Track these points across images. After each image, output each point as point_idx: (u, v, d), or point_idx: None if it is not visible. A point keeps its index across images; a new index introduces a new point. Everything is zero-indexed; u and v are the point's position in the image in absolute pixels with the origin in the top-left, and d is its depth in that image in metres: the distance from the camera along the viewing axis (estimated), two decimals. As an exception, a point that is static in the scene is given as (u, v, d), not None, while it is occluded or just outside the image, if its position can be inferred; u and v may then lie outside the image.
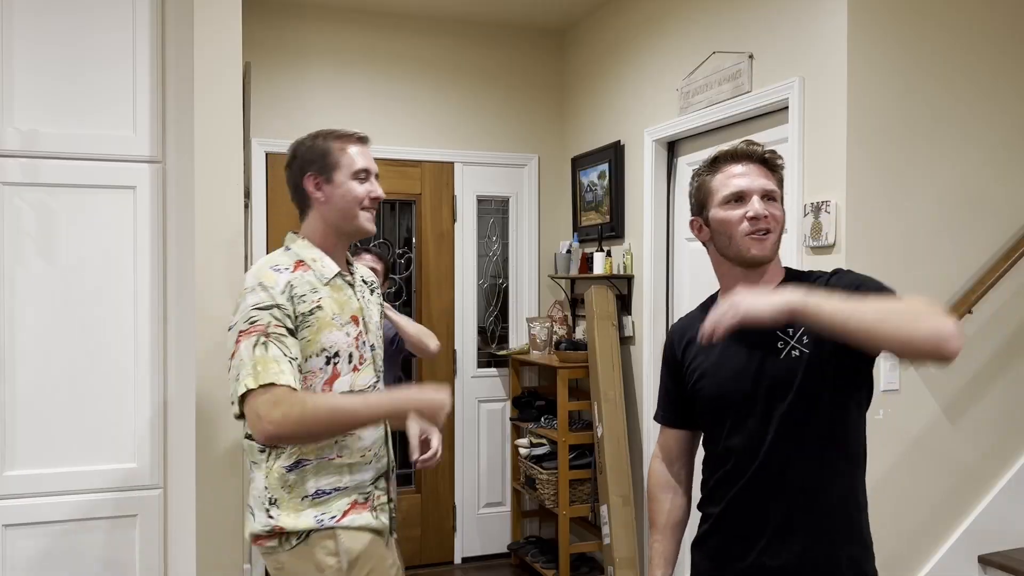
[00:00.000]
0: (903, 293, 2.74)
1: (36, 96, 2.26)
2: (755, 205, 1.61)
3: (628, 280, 3.94)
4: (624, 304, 3.97)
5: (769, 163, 1.66)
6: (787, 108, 2.90)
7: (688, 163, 3.64)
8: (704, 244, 1.74)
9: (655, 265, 3.75)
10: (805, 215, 2.78)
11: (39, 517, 2.27)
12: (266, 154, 4.20)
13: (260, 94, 4.11)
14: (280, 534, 1.76)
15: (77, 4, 2.29)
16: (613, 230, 4.06)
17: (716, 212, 1.66)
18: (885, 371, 2.65)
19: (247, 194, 3.82)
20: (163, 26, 2.35)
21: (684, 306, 3.64)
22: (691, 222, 1.75)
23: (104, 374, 2.32)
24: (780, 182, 1.68)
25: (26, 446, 2.26)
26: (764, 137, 3.09)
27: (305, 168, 1.97)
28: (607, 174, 4.11)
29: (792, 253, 2.84)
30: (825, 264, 2.71)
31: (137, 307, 2.34)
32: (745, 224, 1.61)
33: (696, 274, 3.57)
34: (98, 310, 2.31)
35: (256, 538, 1.79)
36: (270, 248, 4.18)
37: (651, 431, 3.75)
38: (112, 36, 2.31)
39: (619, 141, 4.03)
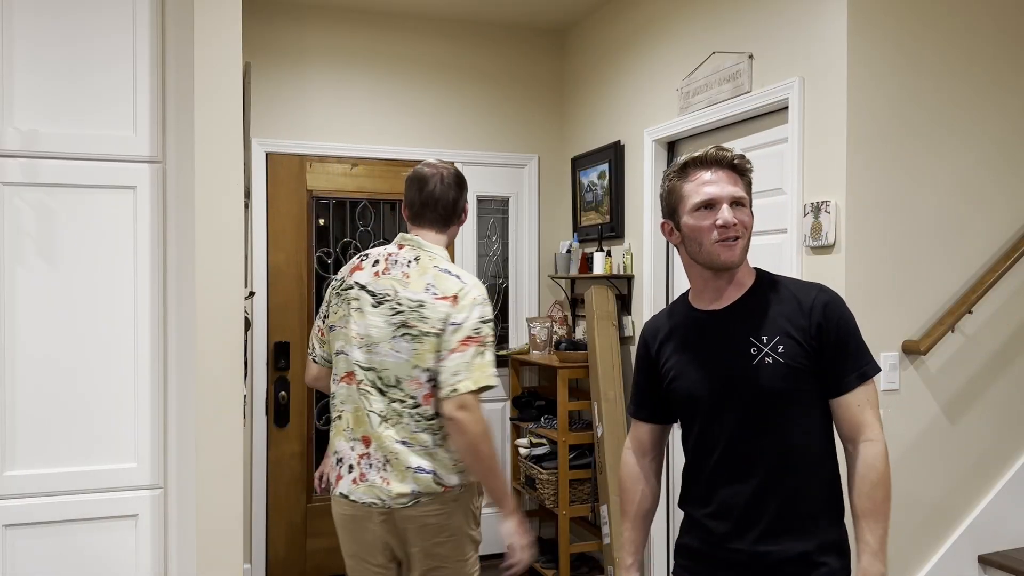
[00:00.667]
0: (902, 294, 2.74)
1: (36, 96, 2.26)
2: (724, 214, 1.65)
3: (628, 280, 3.94)
4: (624, 304, 3.97)
5: (738, 168, 1.70)
6: (787, 108, 2.90)
7: (688, 163, 3.64)
8: (676, 246, 1.79)
9: (655, 265, 3.75)
10: (805, 215, 2.78)
11: (39, 517, 2.27)
12: (266, 154, 4.19)
13: (260, 94, 4.11)
14: (463, 485, 2.27)
15: (77, 4, 2.29)
16: (613, 230, 4.06)
17: (687, 219, 1.70)
18: (885, 371, 2.65)
19: (247, 194, 3.82)
20: (163, 26, 2.35)
21: (684, 306, 3.64)
22: (662, 224, 1.80)
23: (104, 374, 2.32)
24: (749, 186, 1.72)
25: (26, 446, 2.26)
26: (764, 137, 3.10)
27: (465, 194, 2.44)
28: (607, 174, 4.11)
29: (792, 253, 2.84)
30: (825, 265, 2.71)
31: (137, 307, 2.34)
32: (715, 232, 1.66)
33: (696, 274, 3.57)
34: (98, 310, 2.31)
35: (446, 488, 2.23)
36: (270, 248, 4.18)
37: (651, 431, 3.74)
38: (112, 36, 2.31)
39: (619, 141, 4.03)
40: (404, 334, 2.19)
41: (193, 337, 2.33)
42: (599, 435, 3.78)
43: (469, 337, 2.18)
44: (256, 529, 4.17)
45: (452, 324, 2.18)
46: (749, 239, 1.70)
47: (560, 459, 3.89)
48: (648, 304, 3.76)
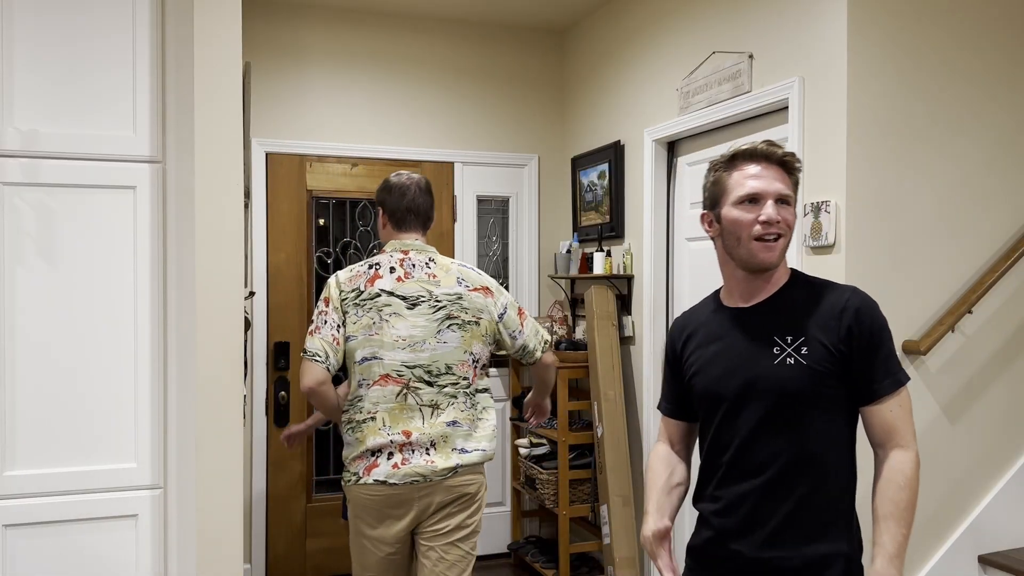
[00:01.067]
0: (902, 294, 2.74)
1: (36, 96, 2.26)
2: (768, 210, 1.61)
3: (628, 280, 3.94)
4: (624, 304, 3.97)
5: (787, 166, 1.65)
6: (787, 108, 2.90)
7: (688, 163, 3.64)
8: (712, 239, 1.73)
9: (655, 265, 3.75)
10: (805, 215, 2.78)
11: (39, 517, 2.27)
12: (266, 154, 4.19)
13: (260, 94, 4.11)
14: (489, 458, 2.55)
15: (77, 4, 2.29)
16: (613, 230, 4.06)
17: (729, 211, 1.65)
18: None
19: (247, 194, 3.82)
20: (163, 26, 2.35)
21: (684, 306, 3.64)
22: (702, 215, 1.74)
23: (104, 374, 2.32)
24: (796, 184, 1.68)
25: (26, 446, 2.26)
26: (764, 137, 3.09)
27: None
28: (607, 174, 4.11)
29: (792, 253, 2.84)
30: (825, 265, 2.71)
31: (137, 307, 2.34)
32: (757, 227, 1.61)
33: (696, 274, 3.57)
34: (98, 310, 2.31)
35: (483, 460, 2.52)
36: (270, 248, 4.19)
37: (651, 431, 3.75)
38: (112, 36, 2.31)
39: (619, 141, 4.03)
40: (450, 325, 2.46)
41: (193, 337, 2.33)
42: (599, 435, 3.78)
43: (519, 309, 2.60)
44: (256, 529, 4.17)
45: (503, 308, 2.55)
46: (789, 240, 1.66)
47: (560, 459, 3.89)
48: (648, 304, 3.76)
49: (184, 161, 2.34)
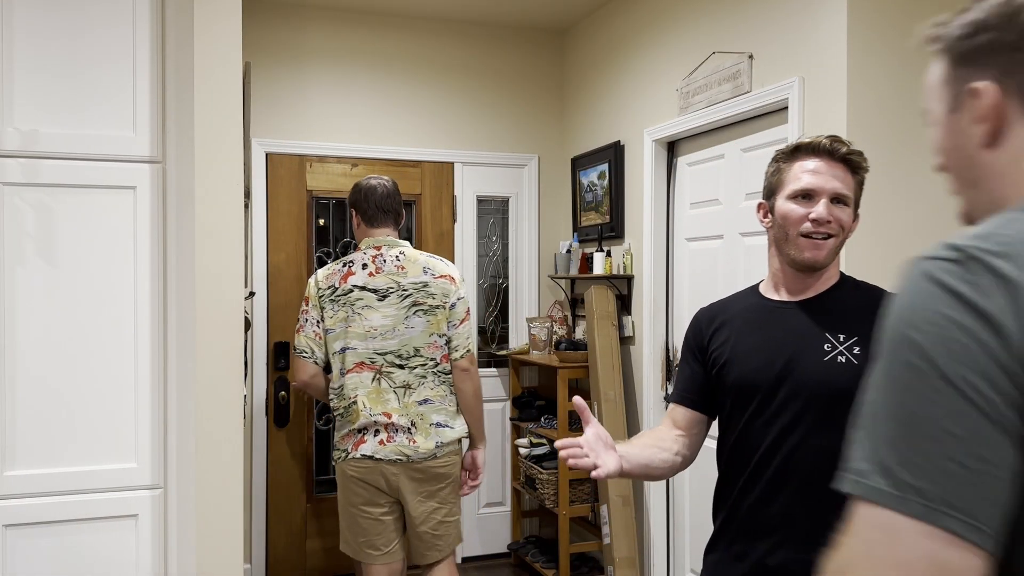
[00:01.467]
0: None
1: (36, 96, 2.26)
2: (820, 208, 1.56)
3: (628, 280, 3.94)
4: (624, 304, 3.97)
5: (852, 164, 1.60)
6: (787, 108, 2.90)
7: (688, 163, 3.64)
8: (766, 229, 1.70)
9: (655, 265, 3.75)
10: (805, 215, 2.78)
11: (39, 517, 2.27)
12: (266, 154, 4.20)
13: (260, 94, 4.11)
14: (463, 437, 2.82)
15: (77, 4, 2.29)
16: (613, 230, 4.06)
17: (782, 203, 1.61)
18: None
19: (247, 194, 3.82)
20: (163, 26, 2.35)
21: (684, 306, 3.64)
22: (758, 205, 1.70)
23: (104, 374, 2.32)
24: (859, 185, 1.63)
25: (26, 446, 2.26)
26: (764, 137, 3.10)
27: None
28: (607, 174, 4.11)
29: (792, 253, 2.84)
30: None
31: (137, 307, 2.34)
32: (807, 224, 1.57)
33: (696, 274, 3.57)
34: (98, 310, 2.31)
35: (459, 438, 2.78)
36: (270, 248, 4.19)
37: (651, 431, 3.74)
38: (112, 36, 2.31)
39: (619, 141, 4.03)
40: (416, 311, 2.70)
41: (193, 337, 2.33)
42: (599, 435, 3.78)
43: (467, 310, 2.80)
44: (256, 529, 4.17)
45: (458, 299, 2.76)
46: (843, 241, 1.60)
47: (560, 459, 3.88)
48: (648, 304, 3.76)
49: (184, 161, 2.35)
